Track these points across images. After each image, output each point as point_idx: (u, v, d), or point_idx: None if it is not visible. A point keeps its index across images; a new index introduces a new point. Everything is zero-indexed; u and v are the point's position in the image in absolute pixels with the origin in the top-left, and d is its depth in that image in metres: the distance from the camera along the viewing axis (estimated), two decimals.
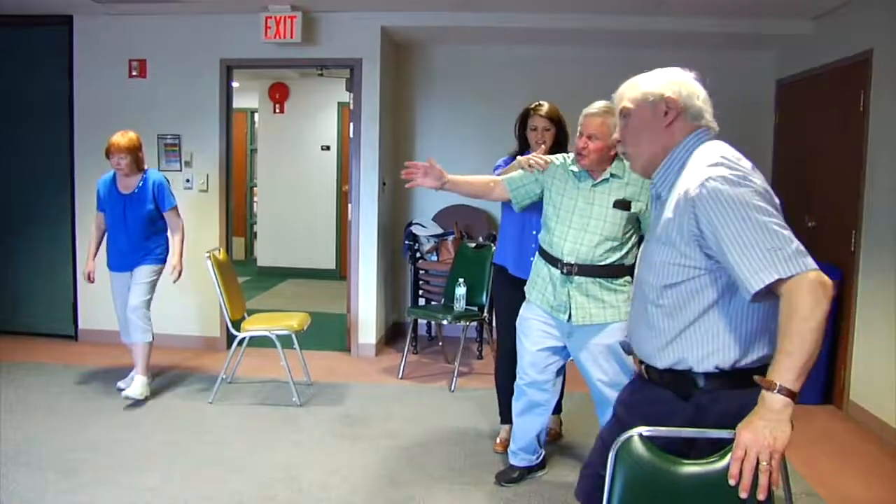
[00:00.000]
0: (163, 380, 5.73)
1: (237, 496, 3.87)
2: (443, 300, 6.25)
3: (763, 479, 1.81)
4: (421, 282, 6.92)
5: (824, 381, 5.52)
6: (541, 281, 3.80)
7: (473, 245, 6.25)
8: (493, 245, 6.09)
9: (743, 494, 1.81)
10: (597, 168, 3.68)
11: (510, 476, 4.11)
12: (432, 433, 4.84)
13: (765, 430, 1.82)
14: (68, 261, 6.75)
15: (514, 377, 4.13)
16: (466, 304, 5.87)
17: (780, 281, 1.84)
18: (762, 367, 1.97)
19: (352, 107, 6.60)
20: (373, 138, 6.50)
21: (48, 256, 6.83)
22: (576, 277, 3.63)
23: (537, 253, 3.88)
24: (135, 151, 5.22)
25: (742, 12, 5.90)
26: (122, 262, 5.36)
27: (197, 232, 6.39)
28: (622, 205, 3.65)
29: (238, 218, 11.33)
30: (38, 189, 6.79)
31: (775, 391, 1.82)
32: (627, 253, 3.71)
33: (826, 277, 1.86)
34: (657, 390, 2.14)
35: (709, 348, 2.02)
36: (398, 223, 7.34)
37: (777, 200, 1.98)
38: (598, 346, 3.65)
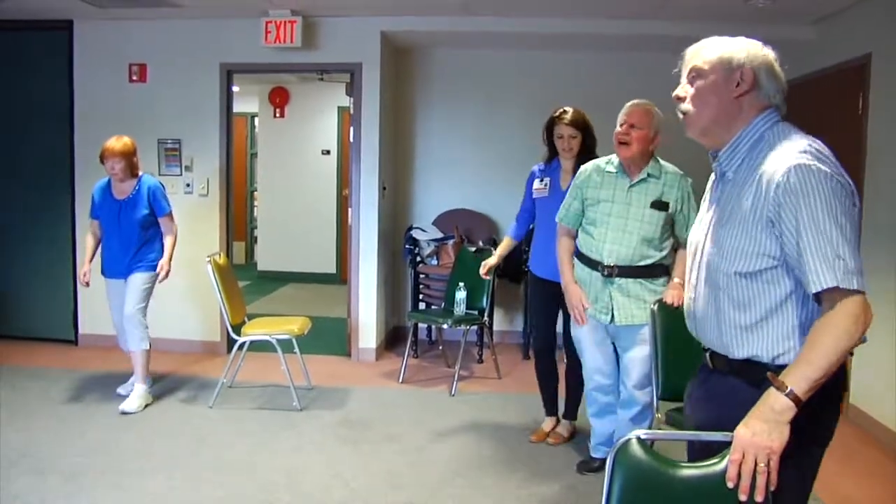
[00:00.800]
0: (163, 384, 5.72)
1: (239, 500, 3.88)
2: (443, 304, 6.25)
3: (760, 481, 1.80)
4: (421, 286, 6.92)
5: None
6: (582, 285, 3.90)
7: (474, 249, 6.25)
8: (493, 249, 6.10)
9: (742, 497, 1.80)
10: (636, 163, 3.76)
11: (592, 466, 4.30)
12: (433, 437, 4.84)
13: (763, 431, 1.81)
14: (68, 265, 6.76)
15: (549, 374, 4.70)
16: (467, 309, 5.88)
17: (835, 290, 1.80)
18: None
19: (352, 111, 6.61)
20: (373, 142, 6.51)
21: (48, 261, 6.83)
22: (617, 279, 3.71)
23: (576, 258, 3.95)
24: (129, 156, 5.19)
25: (742, 16, 5.90)
26: (116, 268, 5.32)
27: (197, 236, 6.40)
28: (660, 205, 3.74)
29: (238, 222, 11.33)
30: (38, 193, 6.79)
31: (784, 392, 1.80)
32: (666, 253, 3.79)
33: (870, 308, 1.83)
34: (727, 380, 2.07)
35: (784, 346, 1.95)
36: (398, 227, 7.34)
37: (857, 198, 1.92)
38: (643, 347, 3.77)
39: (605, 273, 3.77)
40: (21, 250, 6.86)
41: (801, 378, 1.80)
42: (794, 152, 1.89)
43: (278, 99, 10.65)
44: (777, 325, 1.95)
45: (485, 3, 5.92)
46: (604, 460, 4.12)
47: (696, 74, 2.08)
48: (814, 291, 1.82)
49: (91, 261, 5.43)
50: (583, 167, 4.01)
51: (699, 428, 2.10)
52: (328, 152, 10.70)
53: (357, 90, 6.50)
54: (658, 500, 1.88)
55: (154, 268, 5.31)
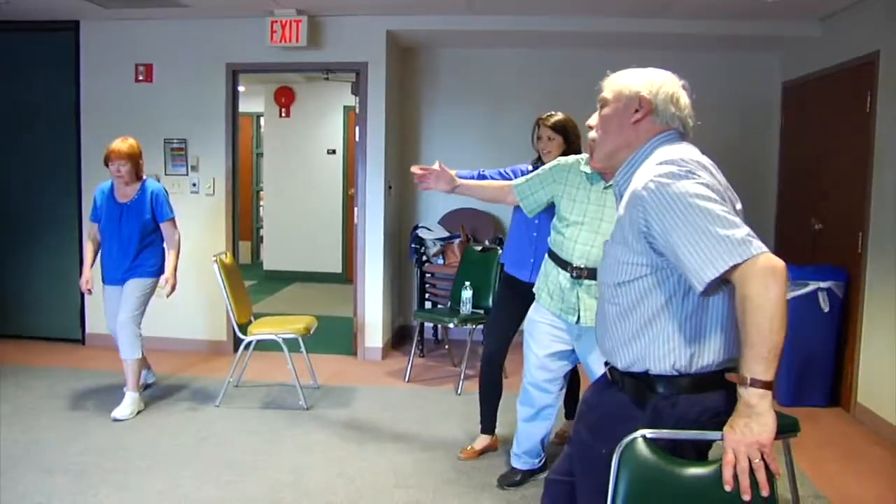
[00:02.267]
0: (169, 383, 5.74)
1: (244, 499, 3.88)
2: (449, 303, 6.25)
3: (759, 476, 1.80)
4: (427, 285, 6.92)
5: (831, 384, 5.51)
6: (550, 283, 3.80)
7: (479, 248, 6.25)
8: (499, 248, 6.10)
9: (745, 497, 1.79)
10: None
11: (513, 479, 4.12)
12: (439, 437, 4.84)
13: (746, 427, 1.81)
14: (75, 266, 6.76)
15: (495, 384, 4.48)
16: (473, 308, 5.87)
17: (733, 268, 1.81)
18: (723, 370, 1.98)
19: (357, 110, 6.62)
20: (379, 142, 6.51)
21: (55, 261, 6.86)
22: (585, 280, 3.64)
23: (546, 255, 3.89)
24: (135, 158, 5.09)
25: (748, 14, 5.89)
26: (115, 274, 5.20)
27: (203, 236, 6.41)
28: None
29: (244, 222, 11.35)
30: (45, 194, 6.82)
31: (748, 386, 1.81)
32: None
33: (776, 260, 1.80)
34: (618, 394, 2.12)
35: (664, 349, 1.98)
36: (404, 226, 7.34)
37: (735, 200, 1.98)
38: None
39: (574, 275, 3.68)
40: (29, 250, 6.89)
41: (752, 362, 1.80)
42: (654, 164, 1.99)
43: (284, 98, 10.65)
44: (659, 327, 2.00)
45: (490, 2, 5.92)
46: (527, 472, 4.09)
47: (602, 104, 2.22)
48: (709, 280, 1.83)
49: (91, 267, 5.30)
50: (562, 159, 3.91)
51: (579, 435, 2.22)
52: (334, 152, 10.70)
53: (363, 89, 6.50)
54: (664, 499, 1.88)
55: (152, 274, 5.21)
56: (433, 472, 4.29)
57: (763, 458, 1.80)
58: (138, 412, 5.16)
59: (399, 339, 7.31)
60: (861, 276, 5.24)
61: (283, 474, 4.20)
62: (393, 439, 4.77)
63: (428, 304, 6.91)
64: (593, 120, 2.25)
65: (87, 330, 6.88)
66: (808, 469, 4.33)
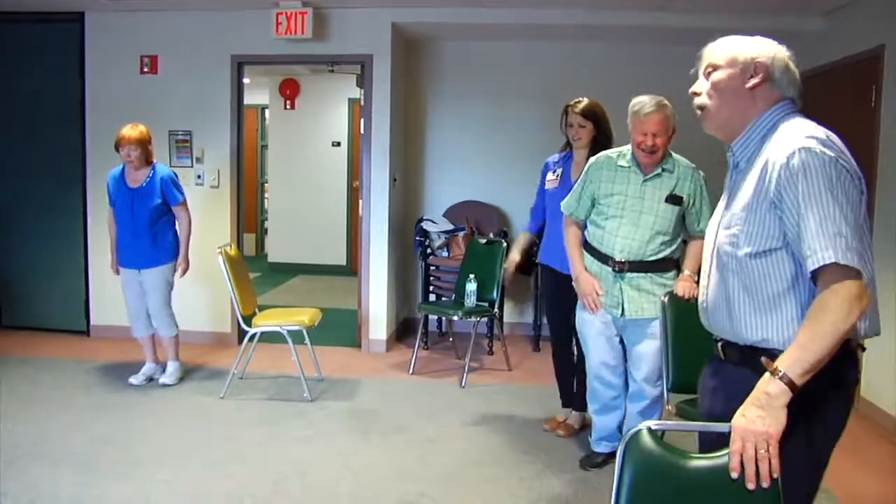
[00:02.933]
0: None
1: (249, 490, 3.89)
2: (453, 296, 6.26)
3: (763, 468, 1.81)
4: (432, 277, 6.93)
5: None
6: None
7: (484, 241, 6.25)
8: (503, 241, 6.11)
9: (750, 486, 1.81)
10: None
11: (595, 461, 4.24)
12: (443, 429, 4.85)
13: (758, 418, 1.82)
14: (80, 257, 6.79)
15: (568, 364, 4.68)
16: (477, 300, 5.88)
17: (833, 267, 1.80)
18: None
19: (362, 103, 6.61)
20: (383, 134, 6.51)
21: (61, 253, 6.87)
22: (627, 273, 3.71)
23: (585, 251, 3.94)
24: (145, 144, 5.26)
25: (752, 8, 5.88)
26: (129, 257, 5.39)
27: (208, 228, 6.42)
28: (674, 199, 3.74)
29: (249, 214, 11.36)
30: (50, 185, 6.82)
31: (778, 377, 1.81)
32: (676, 247, 3.80)
33: (867, 292, 1.82)
34: (738, 370, 2.07)
35: (794, 329, 1.93)
36: (409, 219, 7.35)
37: (864, 185, 1.93)
38: (652, 341, 3.77)
39: (616, 269, 3.76)
40: (34, 242, 6.90)
41: (795, 361, 1.81)
42: (799, 136, 1.92)
43: (289, 91, 10.66)
44: (786, 309, 1.96)
45: None
46: (606, 455, 4.16)
47: (712, 69, 2.13)
48: (812, 268, 1.83)
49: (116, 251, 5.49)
50: (593, 159, 3.98)
51: (710, 419, 2.11)
52: (338, 144, 10.70)
53: (367, 82, 6.50)
54: (668, 491, 1.89)
55: (170, 259, 5.41)
56: (437, 464, 4.30)
57: (768, 452, 1.81)
58: (181, 378, 5.47)
59: (403, 331, 7.32)
60: None
61: (287, 465, 4.21)
62: (397, 431, 4.78)
63: (432, 297, 6.92)
64: (699, 86, 2.16)
65: (92, 321, 6.90)
66: None
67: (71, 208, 6.78)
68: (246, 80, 6.87)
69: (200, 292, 6.62)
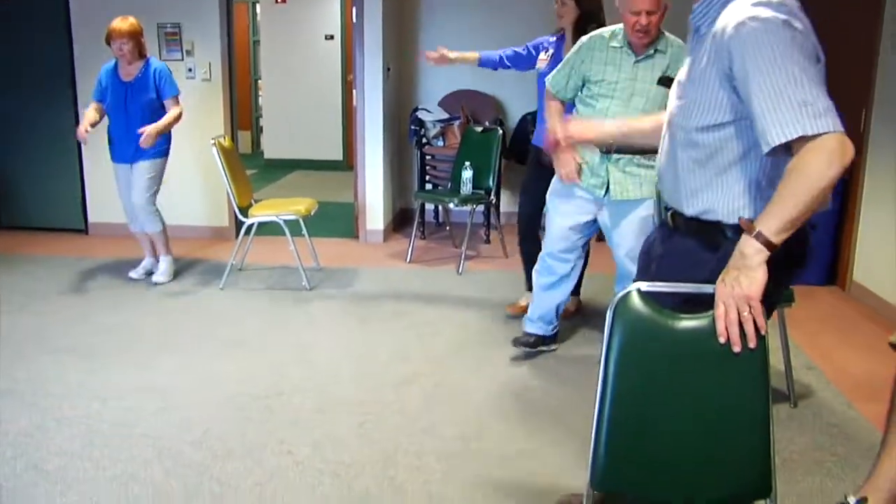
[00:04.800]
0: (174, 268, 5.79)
1: (253, 375, 3.97)
2: (449, 184, 6.25)
3: (748, 329, 1.81)
4: (427, 167, 6.91)
5: (829, 262, 5.55)
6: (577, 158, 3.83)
7: (480, 129, 6.21)
8: (499, 129, 6.07)
9: (736, 348, 1.82)
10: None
11: (526, 340, 4.22)
12: (440, 313, 4.92)
13: (735, 280, 1.81)
14: (74, 154, 6.73)
15: (533, 241, 4.59)
16: (473, 188, 5.88)
17: (802, 138, 1.73)
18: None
19: None
20: (376, 23, 6.38)
21: (55, 152, 6.80)
22: (615, 155, 3.67)
23: None
24: (136, 36, 5.14)
25: None
26: (122, 152, 5.32)
27: (202, 122, 6.35)
28: (667, 81, 3.63)
29: (243, 111, 11.22)
30: (39, 81, 6.70)
31: (752, 235, 1.79)
32: None
33: (848, 144, 1.74)
34: (684, 241, 2.09)
35: (739, 202, 1.94)
36: (403, 109, 7.27)
37: (821, 51, 1.86)
38: (634, 221, 3.75)
39: (604, 149, 3.71)
40: (27, 142, 6.82)
41: (771, 217, 1.78)
42: (748, 5, 1.84)
43: None
44: (732, 182, 1.96)
45: None
46: (539, 337, 4.20)
47: None
48: (775, 144, 1.76)
49: (92, 125, 5.25)
50: (585, 38, 3.84)
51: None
52: (332, 37, 10.49)
53: None
54: (657, 351, 1.91)
55: (160, 154, 5.33)
56: (434, 346, 4.38)
57: (751, 313, 1.81)
58: (174, 274, 5.50)
59: (400, 222, 7.34)
60: (863, 153, 5.18)
61: (289, 351, 4.29)
62: (395, 316, 4.85)
63: (429, 187, 6.91)
64: None
65: (90, 220, 6.91)
66: (802, 342, 4.42)
67: (62, 104, 6.67)
68: None
69: (197, 187, 6.61)
